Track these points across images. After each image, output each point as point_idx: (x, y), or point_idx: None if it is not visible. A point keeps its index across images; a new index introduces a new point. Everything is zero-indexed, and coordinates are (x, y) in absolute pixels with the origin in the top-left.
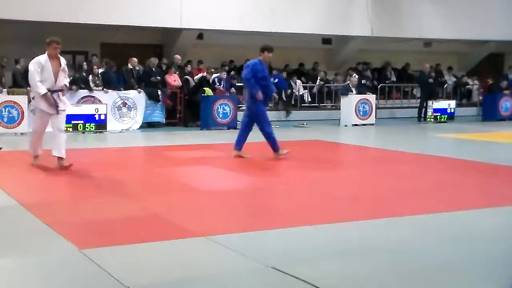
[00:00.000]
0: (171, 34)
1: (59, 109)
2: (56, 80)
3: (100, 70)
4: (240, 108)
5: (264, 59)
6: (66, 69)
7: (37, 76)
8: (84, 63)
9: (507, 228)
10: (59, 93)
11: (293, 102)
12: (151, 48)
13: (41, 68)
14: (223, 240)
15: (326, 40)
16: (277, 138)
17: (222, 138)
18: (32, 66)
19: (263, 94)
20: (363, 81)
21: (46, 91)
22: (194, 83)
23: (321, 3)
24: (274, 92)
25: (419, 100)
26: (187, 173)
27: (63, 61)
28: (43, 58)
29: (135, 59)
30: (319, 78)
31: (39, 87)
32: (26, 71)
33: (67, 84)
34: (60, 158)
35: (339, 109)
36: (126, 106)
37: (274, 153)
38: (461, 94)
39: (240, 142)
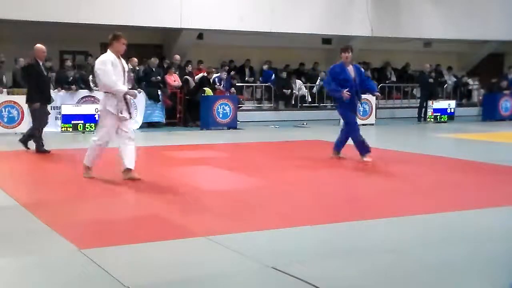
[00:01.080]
0: (171, 34)
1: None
2: (125, 81)
3: None
4: (240, 108)
5: (343, 60)
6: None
7: (112, 75)
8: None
9: (507, 228)
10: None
11: (293, 102)
12: (151, 48)
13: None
14: (223, 240)
15: (326, 40)
16: (277, 138)
17: (222, 138)
18: (105, 64)
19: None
20: None
21: (127, 89)
22: (194, 83)
23: (321, 3)
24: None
25: (419, 100)
26: (187, 173)
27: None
28: (111, 56)
29: (135, 59)
30: (319, 78)
31: (119, 85)
32: (24, 70)
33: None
34: (129, 170)
35: None
36: None
37: (360, 156)
38: (461, 94)
39: (337, 146)
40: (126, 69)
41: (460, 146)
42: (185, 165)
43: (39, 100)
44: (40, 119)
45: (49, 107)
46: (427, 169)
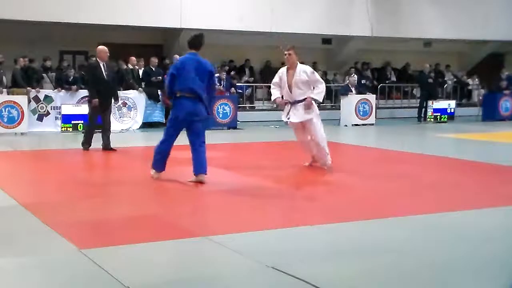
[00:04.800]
0: (171, 34)
1: (289, 118)
2: (291, 91)
3: None
4: (240, 108)
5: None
6: (312, 77)
7: (275, 82)
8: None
9: (507, 228)
10: (298, 104)
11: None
12: (151, 48)
13: (279, 78)
14: (223, 240)
15: (326, 40)
16: (277, 138)
17: (222, 138)
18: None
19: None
20: (363, 81)
21: (275, 97)
22: None
23: (321, 3)
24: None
25: (419, 100)
26: (187, 173)
27: (301, 69)
28: (283, 69)
29: (134, 59)
30: None
31: (272, 94)
32: (25, 71)
33: (314, 97)
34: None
35: (339, 109)
36: (126, 106)
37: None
38: (461, 94)
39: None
40: (296, 80)
41: (460, 146)
42: (185, 165)
43: (95, 99)
44: (92, 118)
45: (49, 106)
46: (427, 169)
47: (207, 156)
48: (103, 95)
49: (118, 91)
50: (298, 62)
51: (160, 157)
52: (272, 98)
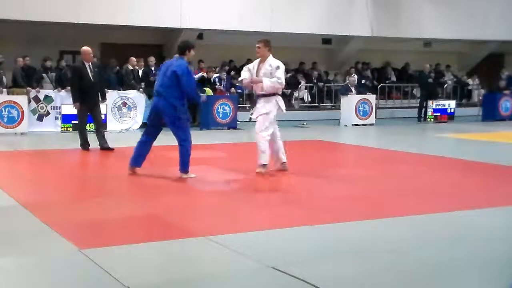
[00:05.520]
0: (171, 34)
1: (252, 115)
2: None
3: None
4: (240, 108)
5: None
6: (273, 71)
7: (247, 67)
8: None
9: (507, 228)
10: (262, 98)
11: (293, 102)
12: (151, 48)
13: (252, 66)
14: (223, 240)
15: (326, 40)
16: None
17: (222, 138)
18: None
19: None
20: (363, 81)
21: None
22: None
23: (321, 3)
24: None
25: (419, 100)
26: None
27: (269, 62)
28: (258, 60)
29: (134, 59)
30: (313, 77)
31: (242, 75)
32: (25, 71)
33: (265, 81)
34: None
35: (339, 109)
36: (126, 106)
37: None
38: (461, 94)
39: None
40: (263, 73)
41: (460, 146)
42: None
43: (80, 101)
44: (81, 119)
45: (49, 106)
46: (427, 169)
47: (206, 156)
48: (89, 96)
49: (118, 91)
50: (270, 56)
51: (139, 152)
52: (240, 78)
